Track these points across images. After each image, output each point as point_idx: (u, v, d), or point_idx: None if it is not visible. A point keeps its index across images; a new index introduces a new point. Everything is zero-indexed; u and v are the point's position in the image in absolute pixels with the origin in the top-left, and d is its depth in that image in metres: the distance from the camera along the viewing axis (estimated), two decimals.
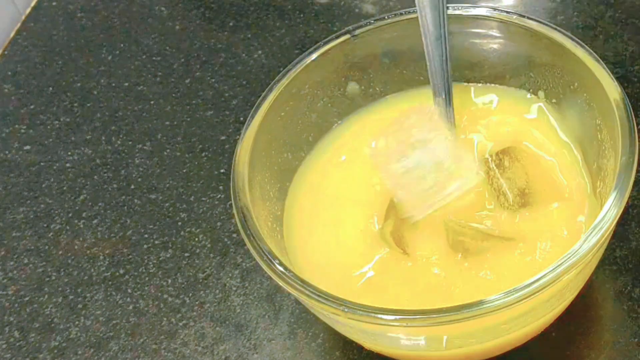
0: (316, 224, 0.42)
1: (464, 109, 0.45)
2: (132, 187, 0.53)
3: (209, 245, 0.49)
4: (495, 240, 0.39)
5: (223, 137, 0.55)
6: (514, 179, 0.41)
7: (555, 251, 0.38)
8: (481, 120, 0.44)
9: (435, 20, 0.40)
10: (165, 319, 0.46)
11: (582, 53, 0.40)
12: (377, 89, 0.46)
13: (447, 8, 0.41)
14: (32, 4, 0.66)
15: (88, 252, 0.50)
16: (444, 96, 0.42)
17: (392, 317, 0.33)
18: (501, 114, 0.45)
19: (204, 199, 0.51)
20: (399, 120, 0.42)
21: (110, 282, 0.48)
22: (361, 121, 0.46)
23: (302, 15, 0.62)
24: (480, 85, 0.46)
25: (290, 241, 0.41)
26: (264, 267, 0.36)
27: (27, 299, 0.48)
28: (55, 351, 0.46)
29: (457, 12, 0.43)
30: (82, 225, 0.51)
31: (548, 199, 0.40)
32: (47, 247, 0.51)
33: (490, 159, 0.41)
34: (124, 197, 0.52)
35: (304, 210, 0.42)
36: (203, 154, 0.54)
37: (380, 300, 0.37)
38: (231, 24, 0.62)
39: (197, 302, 0.47)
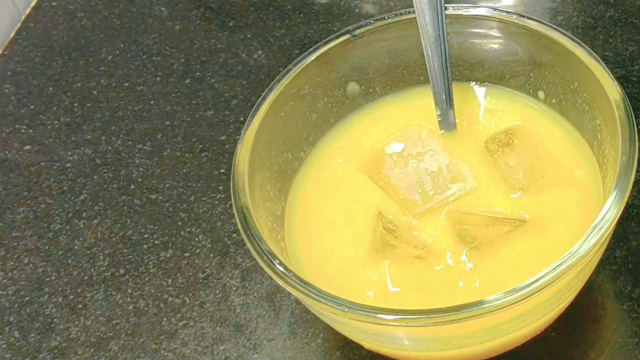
0: (317, 224, 0.42)
1: (465, 109, 0.45)
2: (132, 187, 0.53)
3: (209, 245, 0.49)
4: (502, 225, 0.39)
5: (223, 137, 0.55)
6: (522, 157, 0.41)
7: (570, 233, 0.38)
8: (482, 121, 0.44)
9: (434, 21, 0.40)
10: (165, 319, 0.46)
11: (582, 53, 0.40)
12: (377, 89, 0.46)
13: (446, 8, 0.41)
14: (32, 4, 0.66)
15: (88, 252, 0.50)
16: (444, 97, 0.42)
17: (392, 317, 0.33)
18: (501, 114, 0.45)
19: (204, 199, 0.51)
20: (398, 134, 0.42)
21: (110, 282, 0.48)
22: (361, 121, 0.46)
23: (302, 15, 0.61)
24: (480, 85, 0.46)
25: (290, 241, 0.41)
26: (264, 267, 0.36)
27: (27, 299, 0.48)
28: (55, 351, 0.46)
29: (457, 12, 0.43)
30: (82, 225, 0.51)
31: (556, 182, 0.40)
32: (47, 247, 0.51)
33: (496, 138, 0.41)
34: (124, 197, 0.52)
35: (305, 210, 0.42)
36: (203, 154, 0.54)
37: (385, 301, 0.38)
38: (231, 24, 0.62)
39: (197, 302, 0.47)
